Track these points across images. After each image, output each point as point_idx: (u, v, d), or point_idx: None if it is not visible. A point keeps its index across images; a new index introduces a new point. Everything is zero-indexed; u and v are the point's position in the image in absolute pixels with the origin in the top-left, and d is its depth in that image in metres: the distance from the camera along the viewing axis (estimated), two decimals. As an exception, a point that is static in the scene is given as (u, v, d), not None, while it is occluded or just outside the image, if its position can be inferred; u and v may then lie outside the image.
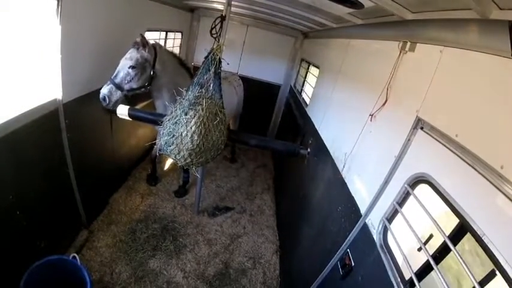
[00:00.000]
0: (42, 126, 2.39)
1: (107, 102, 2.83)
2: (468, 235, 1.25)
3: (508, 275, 0.98)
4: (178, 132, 2.57)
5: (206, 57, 2.62)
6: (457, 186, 1.33)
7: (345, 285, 2.01)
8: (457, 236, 1.31)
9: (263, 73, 6.65)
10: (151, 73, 3.01)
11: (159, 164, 4.88)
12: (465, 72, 1.46)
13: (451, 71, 1.55)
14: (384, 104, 2.06)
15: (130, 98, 3.60)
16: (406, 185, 1.65)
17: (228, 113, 4.48)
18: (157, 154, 4.02)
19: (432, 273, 1.41)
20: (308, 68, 5.47)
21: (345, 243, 2.12)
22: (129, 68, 2.87)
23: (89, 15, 2.68)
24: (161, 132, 2.70)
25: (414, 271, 1.45)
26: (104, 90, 2.81)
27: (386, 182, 1.84)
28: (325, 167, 3.01)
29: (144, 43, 2.93)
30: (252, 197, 4.95)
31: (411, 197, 1.62)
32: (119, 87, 2.84)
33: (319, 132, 3.55)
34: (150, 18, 4.12)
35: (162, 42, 4.98)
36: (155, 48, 3.02)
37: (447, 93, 1.54)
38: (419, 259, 1.49)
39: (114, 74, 2.87)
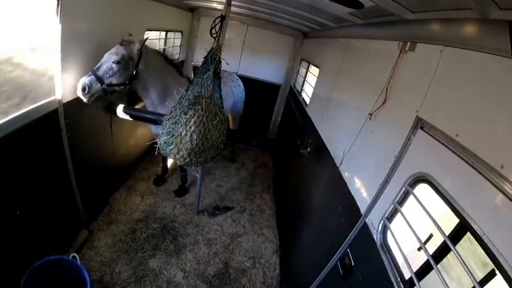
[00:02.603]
0: (42, 126, 2.39)
1: (86, 92, 2.71)
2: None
3: (508, 275, 0.98)
4: (177, 131, 2.57)
5: (206, 57, 2.62)
6: (457, 186, 1.33)
7: (345, 285, 2.01)
8: (457, 235, 1.31)
9: (263, 73, 6.64)
10: (134, 73, 3.00)
11: (159, 163, 4.89)
12: (465, 72, 1.46)
13: (451, 71, 1.55)
14: (383, 104, 2.06)
15: (126, 97, 3.64)
16: (406, 185, 1.65)
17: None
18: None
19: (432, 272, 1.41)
20: (308, 68, 5.47)
21: (345, 243, 2.12)
22: (113, 62, 2.83)
23: (89, 15, 2.67)
24: (160, 132, 2.70)
25: (414, 271, 1.45)
26: (85, 80, 2.70)
27: (386, 182, 1.84)
28: (325, 167, 3.02)
29: (131, 42, 2.96)
30: (252, 197, 4.95)
31: (411, 197, 1.62)
32: (99, 79, 2.77)
33: (319, 131, 3.55)
34: (150, 18, 4.12)
35: (162, 42, 4.98)
36: (141, 48, 2.99)
37: (447, 93, 1.54)
38: (419, 259, 1.49)
39: (97, 66, 2.79)
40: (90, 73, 2.75)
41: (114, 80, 2.88)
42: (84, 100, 2.74)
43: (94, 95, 2.78)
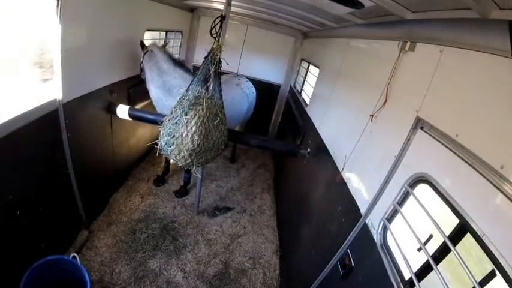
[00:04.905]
0: (42, 126, 2.39)
1: None
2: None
3: (508, 275, 0.98)
4: (178, 132, 2.57)
5: (206, 57, 2.62)
6: (457, 186, 1.33)
7: (345, 285, 2.01)
8: (457, 236, 1.31)
9: (263, 73, 6.63)
10: (140, 65, 3.86)
11: (159, 164, 4.88)
12: (465, 72, 1.46)
13: (451, 71, 1.55)
14: (384, 104, 2.06)
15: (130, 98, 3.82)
16: (406, 185, 1.64)
17: (237, 119, 4.55)
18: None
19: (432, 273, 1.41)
20: (308, 68, 5.47)
21: (345, 243, 2.11)
22: None
23: (89, 15, 2.68)
24: (161, 133, 2.70)
25: (414, 271, 1.45)
26: None
27: (386, 182, 1.84)
28: (325, 167, 3.01)
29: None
30: (252, 197, 4.94)
31: (411, 197, 1.62)
32: None
33: (319, 132, 3.54)
34: (149, 18, 4.12)
35: (162, 42, 4.98)
36: (147, 48, 3.73)
37: (447, 93, 1.54)
38: (420, 259, 1.48)
39: None
40: None
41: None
42: None
43: None
